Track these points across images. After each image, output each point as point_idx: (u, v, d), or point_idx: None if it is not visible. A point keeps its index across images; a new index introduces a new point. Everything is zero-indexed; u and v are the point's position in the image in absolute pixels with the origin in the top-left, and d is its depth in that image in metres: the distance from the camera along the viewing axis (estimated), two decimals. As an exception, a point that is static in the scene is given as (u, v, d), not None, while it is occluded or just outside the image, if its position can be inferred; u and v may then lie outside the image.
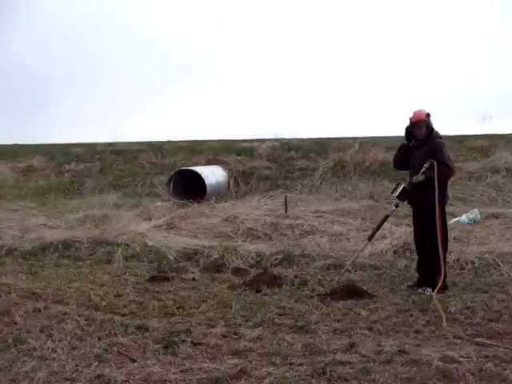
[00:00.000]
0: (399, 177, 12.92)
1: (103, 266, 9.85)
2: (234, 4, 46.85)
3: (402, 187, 7.92)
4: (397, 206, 8.14)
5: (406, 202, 8.17)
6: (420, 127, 7.84)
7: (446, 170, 7.77)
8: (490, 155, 17.63)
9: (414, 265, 8.50)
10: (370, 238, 8.50)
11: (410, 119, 7.92)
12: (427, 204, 7.64)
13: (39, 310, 6.89)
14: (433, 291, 7.41)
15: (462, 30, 41.51)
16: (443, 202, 7.83)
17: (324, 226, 12.17)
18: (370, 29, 44.08)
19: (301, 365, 5.14)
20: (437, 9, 42.12)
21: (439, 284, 7.44)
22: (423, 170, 7.67)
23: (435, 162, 7.59)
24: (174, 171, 17.08)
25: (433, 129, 7.90)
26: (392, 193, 8.10)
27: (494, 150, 17.83)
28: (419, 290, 7.75)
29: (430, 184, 7.55)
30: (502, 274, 8.66)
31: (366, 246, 8.72)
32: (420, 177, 7.72)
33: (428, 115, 7.89)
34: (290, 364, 5.20)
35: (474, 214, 12.66)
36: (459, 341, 5.88)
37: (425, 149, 7.81)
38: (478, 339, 5.89)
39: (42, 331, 6.12)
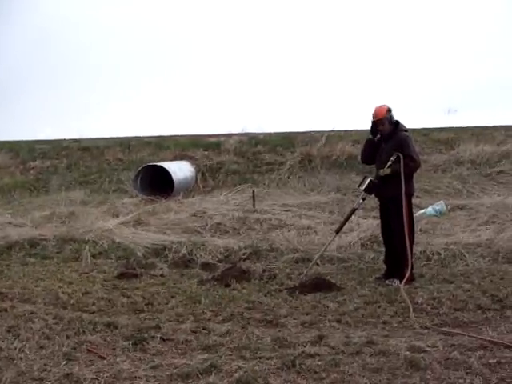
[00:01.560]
0: (366, 170, 12.99)
1: (71, 263, 9.76)
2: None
3: (368, 180, 7.96)
4: (364, 199, 8.20)
5: (372, 195, 8.23)
6: (382, 124, 7.92)
7: (412, 164, 7.84)
8: (455, 148, 17.86)
9: (382, 257, 8.57)
10: (337, 231, 8.54)
11: (372, 116, 8.01)
12: (394, 196, 7.67)
13: (5, 310, 6.80)
14: (400, 282, 7.47)
15: (427, 22, 41.93)
16: (409, 193, 7.90)
17: (292, 220, 12.23)
18: (336, 20, 44.25)
19: (270, 358, 5.16)
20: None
21: (406, 275, 7.51)
22: (389, 163, 7.72)
23: (401, 156, 7.66)
24: (141, 167, 16.99)
25: (398, 122, 7.96)
26: (359, 186, 8.15)
27: (458, 143, 18.08)
28: (387, 282, 7.84)
29: (397, 176, 7.61)
30: (468, 265, 8.80)
31: (333, 239, 8.77)
32: (386, 170, 7.77)
33: (389, 110, 7.95)
34: (260, 358, 5.21)
35: (440, 205, 12.83)
36: (426, 331, 5.96)
37: (391, 143, 7.88)
38: (444, 329, 5.98)
39: (8, 331, 6.03)
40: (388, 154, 7.81)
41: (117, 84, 43.02)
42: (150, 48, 44.59)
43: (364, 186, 8.00)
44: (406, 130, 8.01)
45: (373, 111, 8.00)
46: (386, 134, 7.96)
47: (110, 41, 44.38)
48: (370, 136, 8.13)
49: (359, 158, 8.85)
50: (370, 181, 7.94)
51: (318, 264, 8.81)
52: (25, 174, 19.66)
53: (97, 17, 45.49)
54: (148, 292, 7.79)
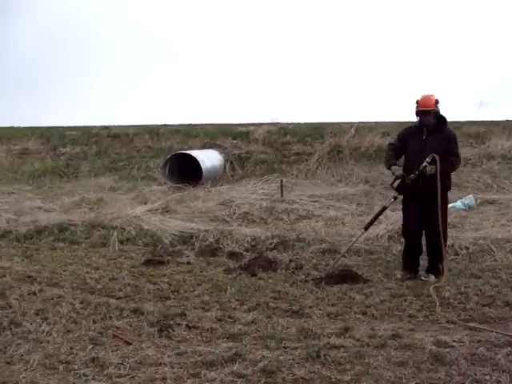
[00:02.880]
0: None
1: (98, 249, 9.87)
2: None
3: (399, 180, 7.78)
4: (395, 198, 7.98)
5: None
6: (427, 114, 7.63)
7: (457, 162, 7.80)
8: (486, 141, 17.61)
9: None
10: (366, 228, 8.41)
11: (418, 105, 7.70)
12: (435, 192, 7.46)
13: (34, 293, 6.89)
14: (436, 277, 7.56)
15: (460, 15, 41.36)
16: (449, 189, 7.84)
17: (319, 211, 12.20)
18: (368, 13, 43.85)
19: (295, 348, 5.17)
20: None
21: (445, 271, 7.49)
22: (425, 164, 7.44)
23: (437, 157, 7.43)
24: (169, 155, 17.04)
25: (445, 118, 7.75)
26: (392, 184, 7.97)
27: (489, 137, 17.81)
28: (423, 277, 7.72)
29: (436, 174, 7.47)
30: (496, 260, 8.71)
31: (361, 235, 8.66)
32: (432, 169, 7.46)
33: (437, 102, 7.67)
34: (285, 348, 5.23)
35: (469, 200, 12.70)
36: (452, 325, 5.92)
37: (437, 138, 7.64)
38: (470, 324, 5.94)
39: (37, 314, 6.13)
40: (433, 149, 7.51)
41: (147, 71, 43.07)
42: (182, 35, 44.68)
43: (396, 185, 7.86)
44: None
45: (419, 100, 7.70)
46: (430, 128, 7.68)
47: (141, 27, 44.41)
48: (400, 173, 7.77)
49: (385, 164, 8.40)
50: (402, 180, 7.73)
51: (344, 256, 8.77)
52: (55, 159, 19.82)
53: (124, 3, 45.68)
54: (174, 279, 7.84)
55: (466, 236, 9.69)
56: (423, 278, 7.71)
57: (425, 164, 7.45)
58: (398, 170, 7.79)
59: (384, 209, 8.23)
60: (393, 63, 39.78)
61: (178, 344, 5.39)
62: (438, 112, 7.67)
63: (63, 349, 5.19)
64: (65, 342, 5.36)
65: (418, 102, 7.70)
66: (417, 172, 7.52)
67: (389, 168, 7.98)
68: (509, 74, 34.84)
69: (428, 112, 7.62)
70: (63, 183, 17.27)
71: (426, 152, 7.55)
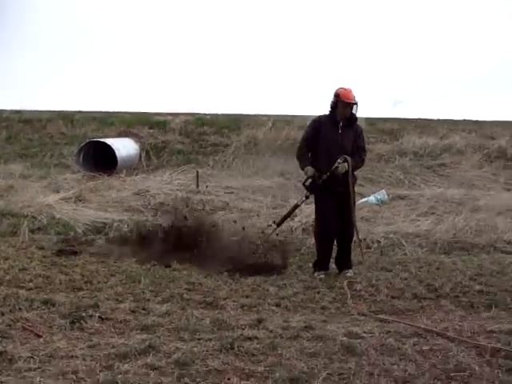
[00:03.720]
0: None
1: (8, 238, 9.52)
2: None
3: (310, 180, 7.78)
4: (307, 197, 7.99)
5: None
6: (351, 108, 7.68)
7: (365, 157, 7.96)
8: (399, 138, 18.15)
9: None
10: (278, 224, 8.45)
11: (341, 97, 7.63)
12: (346, 189, 7.62)
13: None
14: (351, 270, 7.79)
15: (377, 13, 42.32)
16: (355, 183, 8.00)
17: (235, 203, 12.24)
18: (287, 7, 44.26)
19: (209, 340, 5.18)
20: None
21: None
22: (336, 164, 7.51)
23: (348, 158, 7.54)
24: (84, 142, 16.69)
25: (356, 116, 7.83)
26: (304, 183, 7.97)
27: (403, 134, 18.38)
28: (347, 275, 7.72)
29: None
30: (406, 254, 9.02)
31: (274, 231, 8.63)
32: (343, 168, 7.54)
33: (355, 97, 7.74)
34: (199, 339, 5.23)
35: (382, 194, 13.03)
36: (363, 317, 6.07)
37: (350, 132, 7.75)
38: (380, 316, 6.12)
39: None
40: (349, 142, 7.68)
41: (64, 55, 42.04)
42: (101, 20, 43.72)
43: (307, 184, 7.87)
44: None
45: (341, 92, 7.64)
46: (344, 121, 7.74)
47: (60, 9, 43.25)
48: (312, 173, 7.75)
49: (297, 150, 8.28)
50: (313, 180, 7.74)
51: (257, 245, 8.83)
52: (-38, 144, 19.06)
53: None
54: (87, 270, 7.69)
55: (378, 230, 9.97)
56: (348, 275, 7.72)
57: (336, 165, 7.53)
58: (311, 170, 7.75)
59: (296, 207, 8.29)
60: (311, 58, 40.32)
61: (91, 336, 5.29)
62: (356, 105, 7.73)
63: (-31, 342, 5.01)
64: (-29, 336, 5.17)
65: (339, 95, 7.66)
66: (328, 173, 7.57)
67: (302, 169, 7.96)
68: (423, 72, 36.00)
69: (354, 104, 7.69)
70: (-30, 169, 16.60)
71: (342, 146, 7.66)
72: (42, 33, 43.25)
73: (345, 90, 7.71)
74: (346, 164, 7.56)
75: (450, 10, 42.46)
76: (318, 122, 7.94)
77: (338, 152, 7.63)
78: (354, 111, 7.75)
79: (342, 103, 7.66)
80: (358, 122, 7.88)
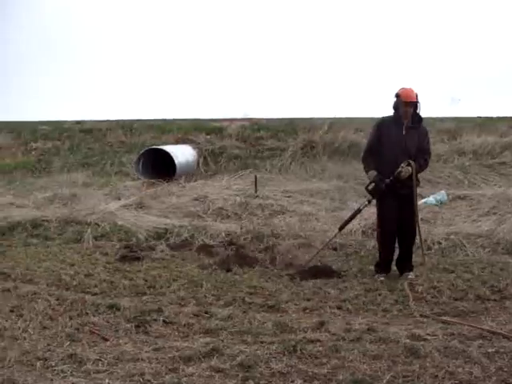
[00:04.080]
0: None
1: (73, 245, 9.79)
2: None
3: (374, 184, 7.66)
4: (369, 201, 7.92)
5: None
6: (412, 107, 7.54)
7: (429, 159, 7.88)
8: (458, 138, 17.85)
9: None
10: (340, 229, 8.39)
11: (401, 97, 7.54)
12: (409, 192, 7.56)
13: (8, 290, 6.87)
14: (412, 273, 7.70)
15: (433, 11, 41.74)
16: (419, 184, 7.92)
17: (293, 206, 12.28)
18: (341, 7, 44.06)
19: (272, 343, 5.21)
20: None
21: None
22: (400, 169, 7.41)
23: (412, 163, 7.45)
24: (143, 150, 16.99)
25: (421, 117, 7.69)
26: (367, 187, 7.85)
27: (461, 133, 18.07)
28: (409, 277, 7.63)
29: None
30: (468, 255, 8.86)
31: (336, 235, 8.67)
32: (406, 173, 7.46)
33: (417, 95, 7.60)
34: (261, 342, 5.26)
35: (441, 195, 12.87)
36: (426, 319, 6.00)
37: (415, 134, 7.62)
38: (443, 318, 6.03)
39: (12, 311, 6.10)
40: (414, 146, 7.57)
41: (121, 66, 42.82)
42: (156, 29, 44.43)
43: (370, 188, 7.75)
44: None
45: (401, 92, 7.56)
46: (409, 122, 7.61)
47: (114, 21, 44.15)
48: (375, 178, 7.65)
49: (362, 152, 8.18)
50: (376, 185, 7.62)
51: (317, 249, 8.84)
52: (27, 154, 19.64)
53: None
54: (150, 275, 7.83)
55: (439, 231, 9.82)
56: (409, 277, 7.61)
57: (400, 169, 7.42)
58: (374, 175, 7.66)
59: (359, 211, 8.16)
60: (366, 59, 40.03)
61: (156, 339, 5.40)
62: (418, 104, 7.60)
63: (40, 345, 5.16)
64: (41, 339, 5.33)
65: (399, 95, 7.57)
66: (391, 178, 7.47)
67: (367, 172, 7.85)
68: (480, 70, 35.30)
69: (415, 104, 7.56)
70: (35, 179, 17.12)
71: (406, 148, 7.55)
72: (100, 44, 44.18)
73: (405, 89, 7.61)
74: (409, 168, 7.46)
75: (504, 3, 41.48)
76: (382, 125, 7.84)
77: (402, 154, 7.52)
78: (417, 111, 7.62)
79: (404, 103, 7.52)
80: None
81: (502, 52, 40.05)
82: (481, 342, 5.23)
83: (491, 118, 20.04)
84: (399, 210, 7.64)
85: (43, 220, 10.98)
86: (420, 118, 7.69)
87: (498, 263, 8.34)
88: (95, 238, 10.04)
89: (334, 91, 34.51)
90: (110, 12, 44.23)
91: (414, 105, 7.57)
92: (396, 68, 35.42)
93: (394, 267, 7.91)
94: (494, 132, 18.05)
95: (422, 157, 7.68)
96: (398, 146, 7.56)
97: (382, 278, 7.62)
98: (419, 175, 7.92)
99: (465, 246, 9.13)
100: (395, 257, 7.91)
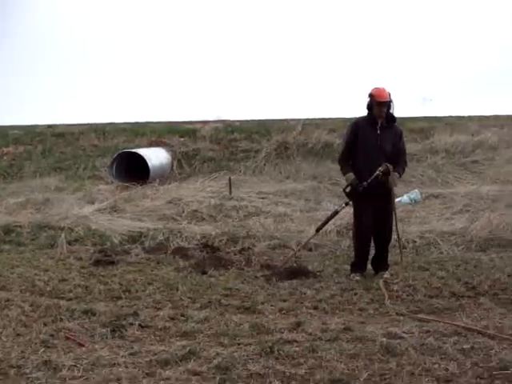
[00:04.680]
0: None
1: (46, 250, 9.67)
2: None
3: (351, 187, 7.66)
4: (347, 203, 7.92)
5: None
6: (384, 106, 7.57)
7: (406, 163, 8.01)
8: (430, 137, 18.02)
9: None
10: (317, 230, 8.43)
11: (374, 97, 7.57)
12: (387, 192, 7.66)
13: (-19, 297, 6.76)
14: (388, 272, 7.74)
15: (403, 10, 42.08)
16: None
17: (268, 208, 12.29)
18: (311, 8, 44.21)
19: (249, 344, 5.20)
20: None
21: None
22: (378, 173, 7.43)
23: (390, 166, 7.49)
24: (116, 153, 16.89)
25: (394, 116, 7.73)
26: (344, 189, 7.85)
27: (433, 132, 18.24)
28: (384, 276, 7.64)
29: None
30: (442, 252, 8.96)
31: (313, 237, 8.71)
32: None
33: (389, 94, 7.62)
34: (238, 344, 5.25)
35: (415, 194, 13.00)
36: (402, 317, 6.05)
37: (390, 134, 7.66)
38: (419, 315, 6.08)
39: (-16, 318, 6.01)
40: (389, 145, 7.61)
41: (91, 69, 42.49)
42: (126, 32, 44.19)
43: (348, 191, 7.74)
44: None
45: (374, 92, 7.59)
46: (383, 122, 7.65)
47: (84, 24, 43.78)
48: (353, 180, 7.63)
49: (337, 153, 8.31)
50: (352, 187, 7.62)
51: (293, 250, 8.86)
52: (-2, 159, 19.41)
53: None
54: (125, 279, 7.76)
55: (413, 230, 9.91)
56: (385, 276, 7.63)
57: (378, 173, 7.44)
58: (351, 177, 7.65)
59: (336, 213, 8.17)
60: (337, 59, 40.19)
61: (132, 344, 5.35)
62: (391, 103, 7.65)
63: (14, 353, 5.07)
64: (15, 346, 5.23)
65: (373, 95, 7.60)
66: (368, 180, 7.47)
67: (344, 174, 7.86)
68: (452, 69, 35.67)
69: (388, 103, 7.60)
70: (7, 184, 16.88)
71: (381, 147, 7.58)
72: (70, 47, 43.83)
73: (378, 89, 7.65)
74: (387, 170, 7.52)
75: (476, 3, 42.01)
76: (356, 125, 7.87)
77: (377, 154, 7.57)
78: (390, 110, 7.67)
79: (377, 103, 7.56)
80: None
81: (473, 52, 40.52)
82: (456, 338, 5.27)
83: (462, 117, 20.23)
84: (376, 210, 7.67)
85: (15, 225, 10.84)
86: (393, 118, 7.74)
87: (471, 260, 8.43)
88: (69, 243, 9.92)
89: (306, 92, 34.57)
90: (81, 13, 43.86)
91: (388, 104, 7.61)
92: (368, 68, 35.57)
93: (369, 266, 7.94)
94: (466, 131, 18.24)
95: (400, 163, 7.76)
96: (373, 146, 7.59)
97: (358, 278, 7.65)
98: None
99: (439, 244, 9.22)
100: (371, 256, 7.95)
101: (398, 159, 7.74)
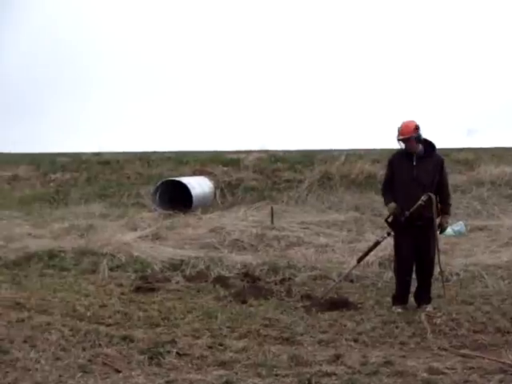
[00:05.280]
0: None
1: (88, 276, 9.77)
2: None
3: (392, 217, 7.62)
4: (389, 234, 7.83)
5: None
6: (407, 141, 7.46)
7: (450, 197, 7.88)
8: (475, 168, 17.78)
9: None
10: (359, 261, 8.34)
11: (399, 132, 7.52)
12: (426, 223, 7.47)
13: (23, 320, 6.85)
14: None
15: (450, 44, 41.87)
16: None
17: (310, 238, 12.20)
18: (355, 39, 44.31)
19: (286, 376, 5.14)
20: (421, 22, 42.47)
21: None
22: (420, 202, 7.31)
23: (432, 196, 7.37)
24: (160, 181, 17.07)
25: (433, 144, 7.60)
26: (386, 219, 7.80)
27: (478, 163, 18.00)
28: (427, 309, 7.47)
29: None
30: (487, 286, 8.71)
31: (354, 267, 8.63)
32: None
33: (416, 128, 7.46)
34: (276, 375, 5.19)
35: (460, 226, 12.78)
36: (444, 352, 5.90)
37: (427, 164, 7.50)
38: (462, 351, 5.92)
39: (25, 341, 6.06)
40: (428, 175, 7.45)
41: (138, 98, 43.18)
42: (172, 62, 44.91)
43: (390, 221, 7.69)
44: None
45: (399, 127, 7.53)
46: (418, 154, 7.52)
47: (132, 53, 44.64)
48: (394, 210, 7.59)
49: (380, 184, 8.23)
50: (397, 216, 7.53)
51: (334, 281, 8.76)
52: (45, 186, 19.84)
53: (114, 31, 45.90)
54: (164, 306, 7.78)
55: (457, 262, 9.70)
56: (427, 309, 7.46)
57: (420, 202, 7.32)
58: (393, 207, 7.58)
59: (377, 243, 8.08)
60: (382, 90, 40.10)
61: (169, 372, 5.34)
62: (418, 137, 7.49)
63: (52, 377, 5.12)
64: (53, 370, 5.28)
65: (399, 130, 7.55)
66: (411, 210, 7.35)
67: (386, 205, 7.79)
68: (497, 100, 35.24)
69: (407, 139, 7.46)
70: (53, 210, 17.23)
71: (417, 179, 7.46)
72: (117, 77, 44.68)
73: (402, 124, 7.55)
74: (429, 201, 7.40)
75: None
76: (393, 159, 7.84)
77: (413, 186, 7.45)
78: (413, 144, 7.48)
79: (398, 139, 7.53)
80: None
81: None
82: (502, 376, 5.10)
83: (508, 148, 19.93)
84: (417, 242, 7.53)
85: (59, 250, 11.00)
86: (432, 145, 7.63)
87: (517, 295, 8.20)
88: (110, 269, 10.02)
89: (350, 123, 34.52)
90: (126, 44, 44.78)
91: (407, 139, 7.48)
92: (413, 99, 35.38)
93: (411, 299, 7.80)
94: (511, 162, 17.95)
95: (445, 193, 7.66)
96: (408, 178, 7.50)
97: (400, 310, 7.51)
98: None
99: (484, 278, 8.99)
100: (413, 289, 7.80)
101: (441, 190, 7.60)
